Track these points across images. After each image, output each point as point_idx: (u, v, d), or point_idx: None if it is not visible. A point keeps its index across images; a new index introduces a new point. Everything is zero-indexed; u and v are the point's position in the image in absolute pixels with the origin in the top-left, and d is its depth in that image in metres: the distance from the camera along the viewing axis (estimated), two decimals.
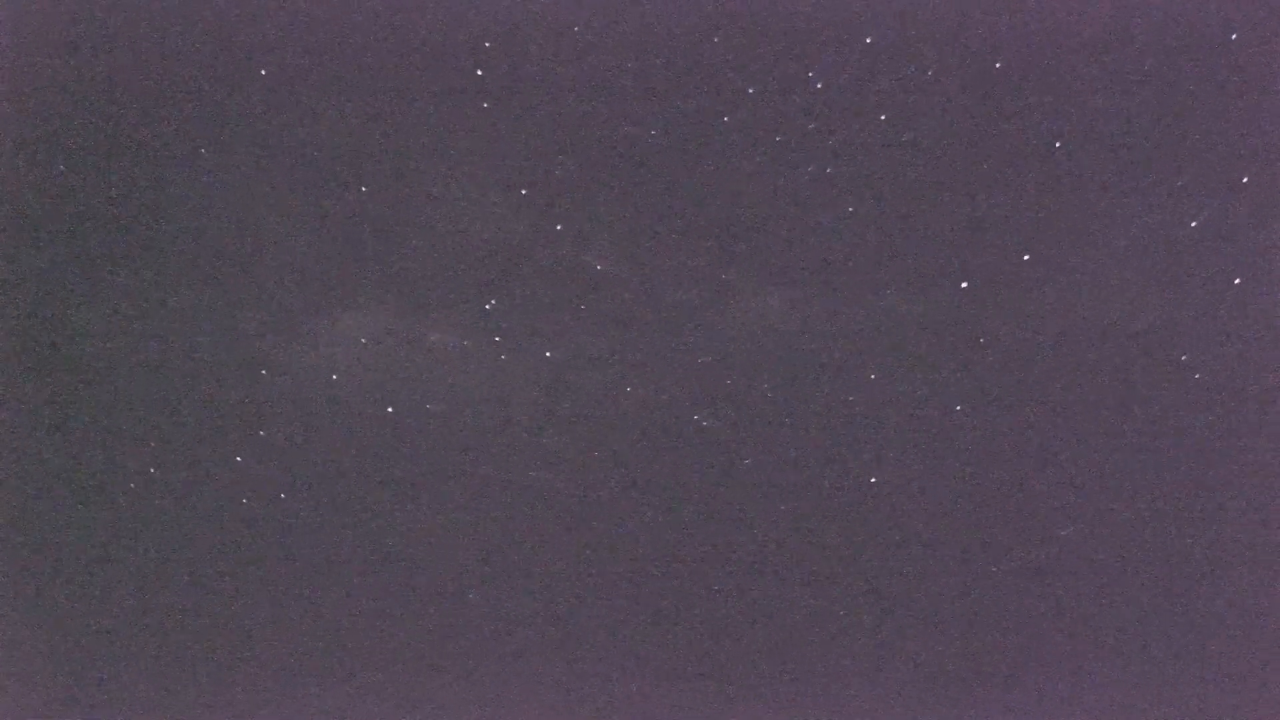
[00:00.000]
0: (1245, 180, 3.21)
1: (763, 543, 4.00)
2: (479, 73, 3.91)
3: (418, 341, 4.30)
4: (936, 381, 3.72)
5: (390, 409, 4.24)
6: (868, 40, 3.67)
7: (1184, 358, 3.34)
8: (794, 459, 3.92)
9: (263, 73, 3.87)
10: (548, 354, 4.17)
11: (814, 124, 3.78)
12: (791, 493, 3.93)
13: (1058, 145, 3.48)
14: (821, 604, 3.88)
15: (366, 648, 3.91)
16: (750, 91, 3.82)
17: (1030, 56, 3.43)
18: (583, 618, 4.02)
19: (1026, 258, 3.52)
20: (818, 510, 3.93)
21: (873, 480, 3.85)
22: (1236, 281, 3.24)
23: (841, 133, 3.74)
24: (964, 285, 3.63)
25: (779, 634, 3.92)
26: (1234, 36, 3.09)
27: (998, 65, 3.52)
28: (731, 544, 3.99)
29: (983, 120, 3.55)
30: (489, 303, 4.18)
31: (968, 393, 3.68)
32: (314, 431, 4.26)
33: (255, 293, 4.14)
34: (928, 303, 3.71)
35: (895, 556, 3.83)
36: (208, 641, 3.87)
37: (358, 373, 4.30)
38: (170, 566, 3.90)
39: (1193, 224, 3.31)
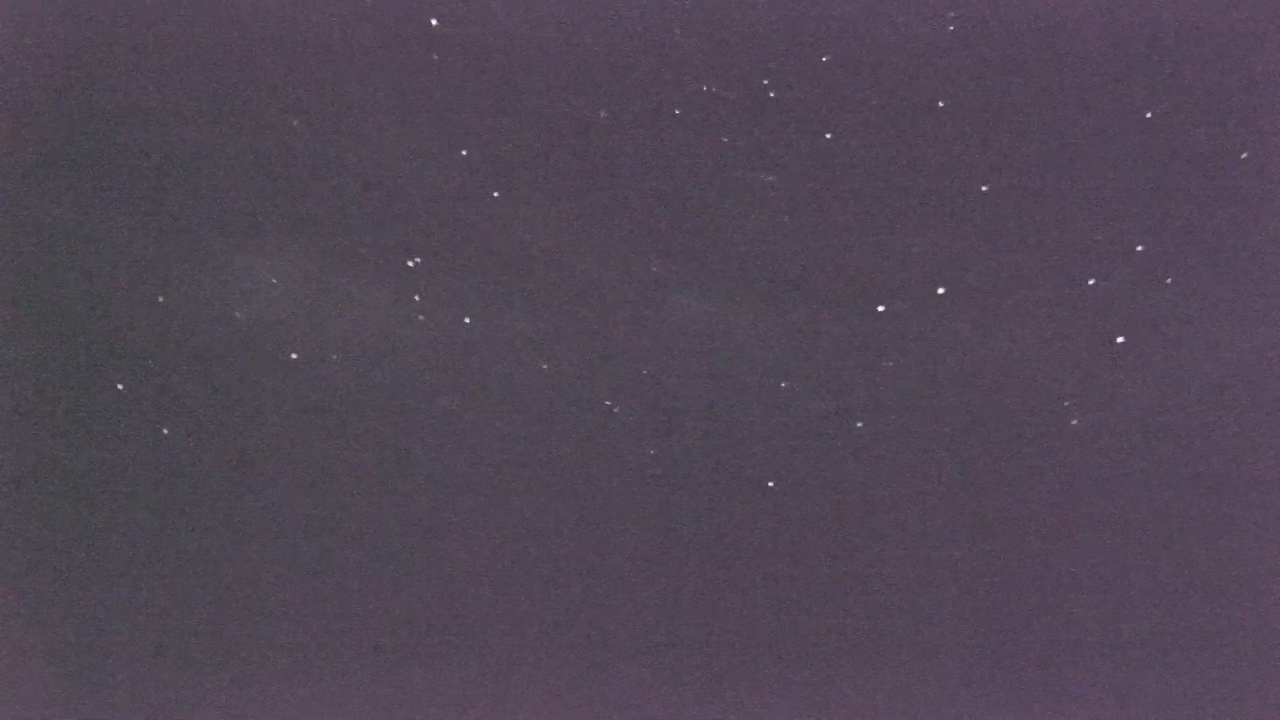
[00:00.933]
0: (1140, 249, 3.49)
1: (653, 530, 4.05)
2: (433, 22, 3.80)
3: (332, 289, 4.15)
4: (840, 398, 3.86)
5: (294, 354, 4.07)
6: (824, 59, 3.78)
7: (1066, 403, 3.60)
8: (695, 455, 3.99)
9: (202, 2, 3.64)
10: (466, 320, 4.10)
11: (761, 131, 3.86)
12: (686, 487, 4.00)
13: (984, 189, 3.68)
14: (713, 602, 3.97)
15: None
16: (705, 89, 3.86)
17: (973, 99, 3.60)
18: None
19: (941, 291, 3.71)
20: (710, 510, 4.02)
21: (770, 484, 3.97)
22: (1120, 340, 3.51)
23: (786, 144, 3.84)
24: (880, 309, 3.79)
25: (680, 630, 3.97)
26: (1149, 116, 3.32)
27: (940, 104, 3.70)
28: (616, 530, 4.02)
29: (922, 155, 3.71)
30: (413, 260, 4.08)
31: (869, 411, 3.84)
32: (207, 366, 4.05)
33: (166, 216, 3.89)
34: (844, 322, 3.86)
35: (776, 560, 3.96)
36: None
37: (263, 312, 4.11)
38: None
39: (1090, 281, 3.57)
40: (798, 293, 3.96)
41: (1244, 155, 3.31)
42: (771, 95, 3.84)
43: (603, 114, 3.89)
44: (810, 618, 3.95)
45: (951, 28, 3.64)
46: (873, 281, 3.89)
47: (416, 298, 4.11)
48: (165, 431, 3.97)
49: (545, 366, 4.10)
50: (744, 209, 3.98)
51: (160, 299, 3.96)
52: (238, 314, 4.05)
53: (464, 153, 3.99)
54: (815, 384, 3.95)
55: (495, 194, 4.02)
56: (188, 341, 3.94)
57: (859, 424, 3.92)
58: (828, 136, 3.86)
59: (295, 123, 3.85)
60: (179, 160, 3.96)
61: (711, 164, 3.94)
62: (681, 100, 3.90)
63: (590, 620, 4.08)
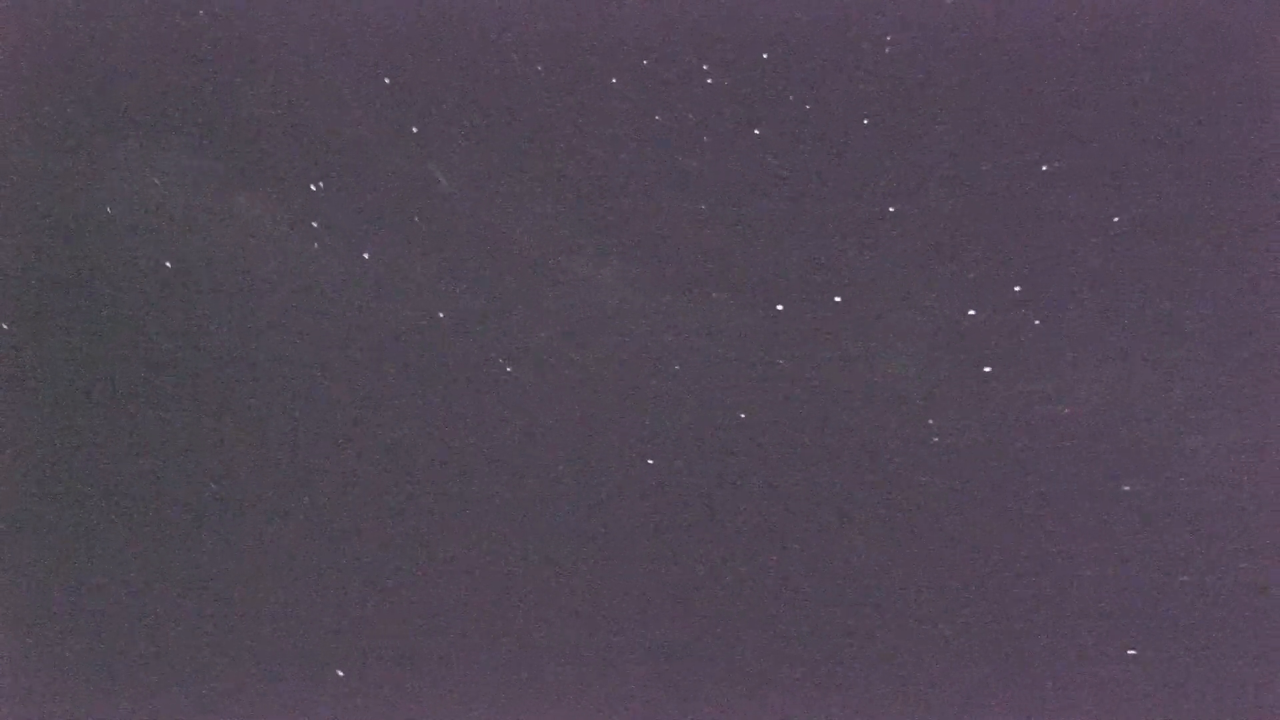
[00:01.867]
0: (1017, 289, 3.85)
1: (519, 492, 4.06)
2: None
3: (223, 202, 3.84)
4: (729, 389, 4.02)
5: (168, 263, 3.75)
6: (764, 55, 3.88)
7: (930, 421, 3.94)
8: (576, 422, 4.04)
9: None
10: (365, 255, 3.92)
11: (694, 115, 3.92)
12: (566, 454, 4.04)
13: (892, 210, 3.91)
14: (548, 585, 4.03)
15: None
16: (644, 64, 3.87)
17: (899, 120, 3.81)
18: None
19: (838, 299, 3.93)
20: (587, 473, 4.07)
21: (649, 462, 4.08)
22: (987, 369, 3.87)
23: (716, 132, 3.91)
24: (779, 308, 3.96)
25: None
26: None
27: (865, 122, 3.89)
28: (476, 488, 4.01)
29: (842, 167, 3.89)
30: (316, 184, 3.85)
31: (753, 403, 4.02)
32: (72, 265, 3.66)
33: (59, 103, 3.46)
34: (745, 314, 4.01)
35: (645, 533, 4.08)
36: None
37: (139, 213, 3.75)
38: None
39: (970, 312, 3.90)
40: (704, 279, 4.05)
41: (1116, 219, 3.70)
42: (709, 81, 3.88)
43: (539, 68, 3.80)
44: (633, 603, 4.08)
45: (888, 49, 3.82)
46: (777, 280, 4.04)
47: (314, 224, 3.87)
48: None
49: (442, 315, 3.98)
50: (664, 189, 4.02)
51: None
52: (109, 209, 3.66)
53: (386, 80, 3.79)
54: (707, 369, 4.07)
55: (414, 129, 3.85)
56: (54, 237, 3.52)
57: (741, 414, 4.08)
58: (756, 132, 3.96)
59: (201, 13, 3.49)
60: (89, 51, 3.50)
61: (640, 138, 3.94)
62: (618, 69, 3.88)
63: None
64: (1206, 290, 3.42)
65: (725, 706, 3.88)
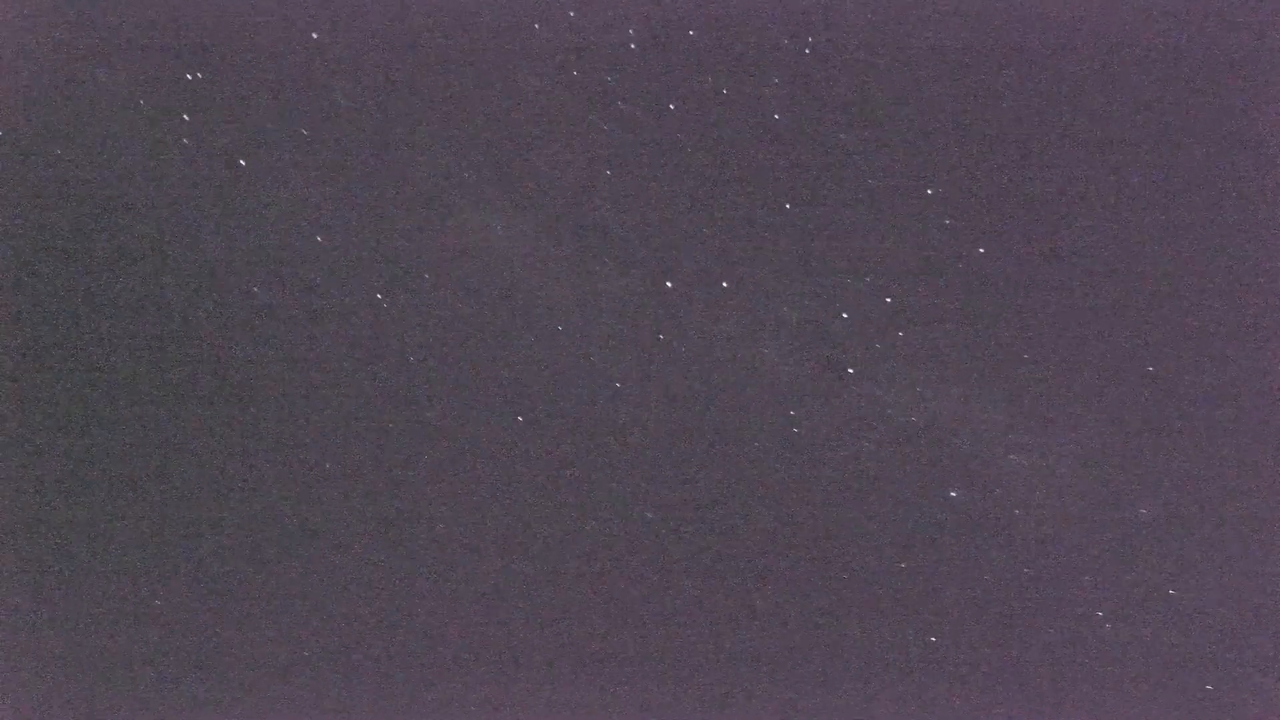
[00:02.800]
0: (888, 300, 4.18)
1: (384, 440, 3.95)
2: None
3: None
4: (608, 354, 4.08)
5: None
6: (690, 33, 3.88)
7: (791, 412, 4.21)
8: (444, 367, 3.96)
9: None
10: (242, 162, 3.58)
11: (612, 77, 3.87)
12: (429, 396, 3.95)
13: (788, 207, 4.08)
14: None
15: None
16: (572, 15, 3.76)
17: (805, 113, 3.97)
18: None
19: (725, 285, 4.08)
20: (449, 434, 4.01)
21: (519, 419, 4.07)
22: (850, 370, 4.19)
23: (630, 99, 3.89)
24: (669, 285, 4.05)
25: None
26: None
27: (776, 117, 4.02)
28: (338, 443, 3.88)
29: (753, 152, 4.00)
30: (192, 75, 3.44)
31: (630, 374, 4.11)
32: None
33: None
34: (634, 283, 4.06)
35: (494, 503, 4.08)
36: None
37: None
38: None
39: (844, 315, 4.18)
40: (598, 244, 4.04)
41: (981, 251, 4.08)
42: (632, 47, 3.83)
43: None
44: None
45: (808, 50, 3.94)
46: (671, 257, 4.11)
47: (185, 118, 3.47)
48: None
49: (319, 239, 3.72)
50: (577, 154, 3.95)
51: None
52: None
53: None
54: (588, 332, 4.09)
55: (315, 35, 3.50)
56: None
57: (617, 384, 4.14)
58: (671, 107, 3.96)
59: None
60: None
61: (547, 97, 3.84)
62: (539, 18, 3.74)
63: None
64: (1048, 325, 3.85)
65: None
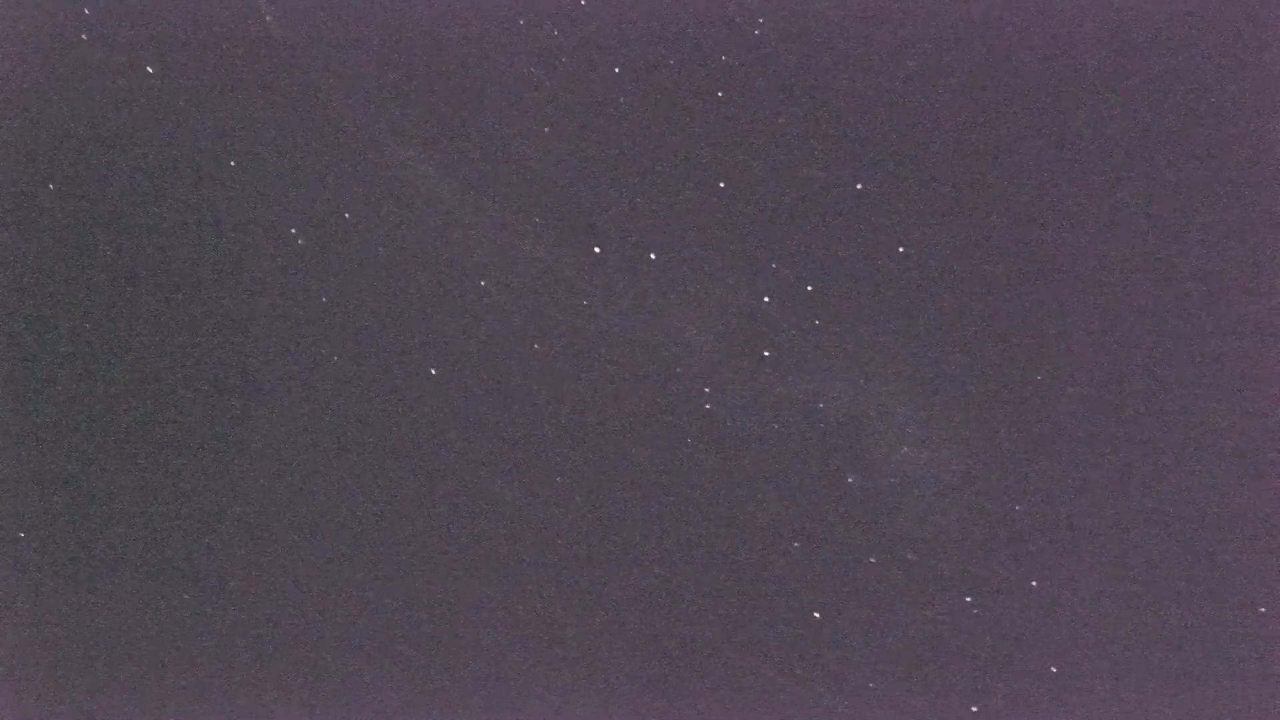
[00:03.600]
0: (809, 289, 4.31)
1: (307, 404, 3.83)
2: None
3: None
4: (529, 316, 4.05)
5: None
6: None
7: (706, 389, 4.31)
8: (363, 310, 3.86)
9: None
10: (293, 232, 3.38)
11: (558, 32, 3.79)
12: (351, 340, 3.85)
13: (722, 186, 4.13)
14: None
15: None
16: None
17: (743, 95, 4.01)
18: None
19: (653, 256, 4.11)
20: (364, 375, 3.92)
21: (432, 372, 3.99)
22: (766, 353, 4.31)
23: (571, 64, 3.82)
24: (596, 250, 4.04)
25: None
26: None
27: (720, 94, 4.03)
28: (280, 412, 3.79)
29: (695, 136, 4.01)
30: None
31: (548, 336, 4.09)
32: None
33: None
34: (561, 246, 4.04)
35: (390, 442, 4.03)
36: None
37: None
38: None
39: (765, 299, 4.29)
40: (532, 205, 3.98)
41: (901, 249, 4.26)
42: (555, 33, 3.76)
43: None
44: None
45: (758, 31, 3.96)
46: (601, 223, 4.09)
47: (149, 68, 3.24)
48: None
49: (233, 163, 3.50)
50: (515, 114, 3.86)
51: None
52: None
53: None
54: (512, 292, 4.05)
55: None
56: None
57: (535, 345, 4.12)
58: (616, 70, 3.91)
59: None
60: None
61: (495, 60, 3.74)
62: None
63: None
64: (955, 328, 4.07)
65: None
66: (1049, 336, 3.97)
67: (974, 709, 4.07)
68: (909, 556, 4.14)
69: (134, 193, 3.76)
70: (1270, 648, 3.93)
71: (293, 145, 3.94)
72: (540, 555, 4.22)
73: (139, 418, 3.84)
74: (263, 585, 3.91)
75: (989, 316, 4.00)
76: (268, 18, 3.20)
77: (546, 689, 4.20)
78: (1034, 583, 4.08)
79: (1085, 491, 3.99)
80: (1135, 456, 3.94)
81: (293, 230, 3.72)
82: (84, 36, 3.49)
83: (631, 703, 4.25)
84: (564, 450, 4.20)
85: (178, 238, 3.80)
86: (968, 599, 4.11)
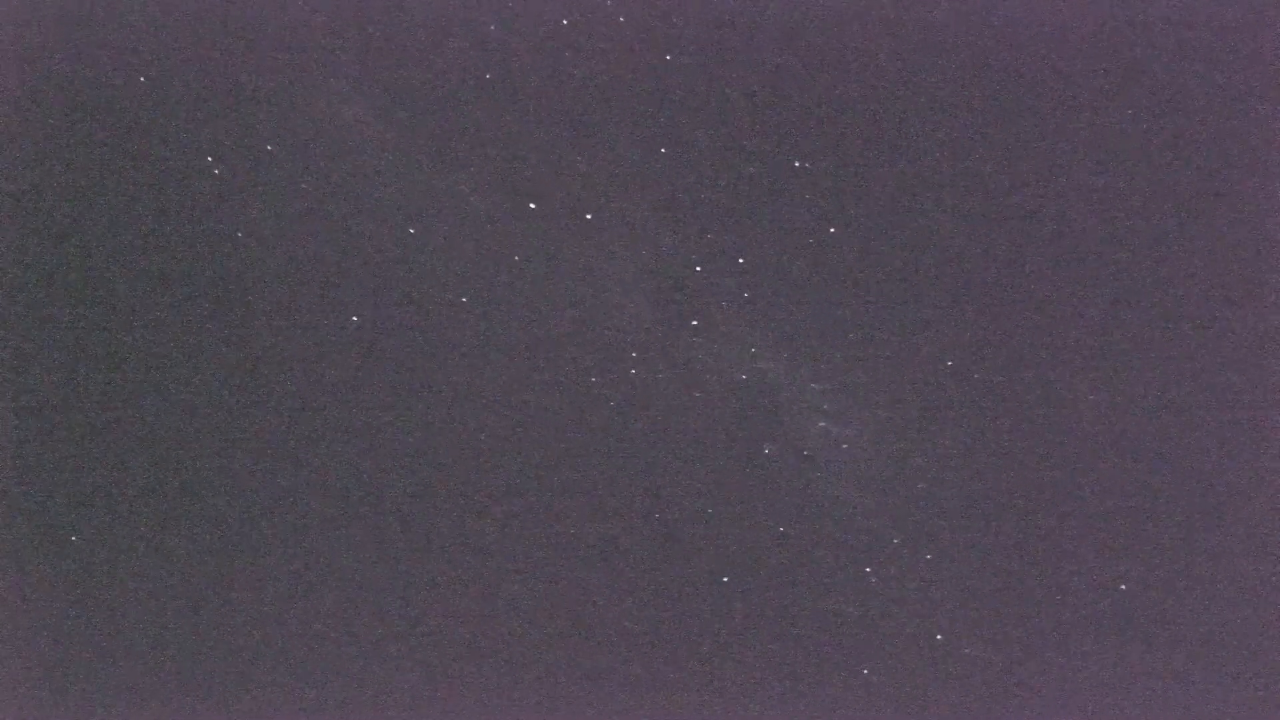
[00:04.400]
0: (740, 261, 4.41)
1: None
2: None
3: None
4: (458, 263, 4.00)
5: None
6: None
7: (633, 353, 4.36)
8: (284, 252, 3.75)
9: None
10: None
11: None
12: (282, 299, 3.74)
13: (663, 152, 4.17)
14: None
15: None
16: None
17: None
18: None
19: (589, 216, 4.12)
20: (286, 329, 3.81)
21: (355, 319, 3.91)
22: (695, 322, 4.40)
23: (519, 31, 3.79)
24: (531, 205, 4.04)
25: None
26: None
27: (668, 56, 4.07)
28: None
29: (635, 82, 4.03)
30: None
31: (474, 287, 4.06)
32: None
33: None
34: (497, 198, 4.01)
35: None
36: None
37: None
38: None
39: (696, 269, 4.37)
40: (471, 160, 3.93)
41: (832, 230, 4.40)
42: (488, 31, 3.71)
43: None
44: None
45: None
46: (540, 181, 4.08)
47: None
48: None
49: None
50: (461, 66, 3.80)
51: None
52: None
53: None
54: (445, 240, 4.00)
55: None
56: None
57: (464, 298, 4.08)
58: (564, 22, 3.89)
59: None
60: None
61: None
62: None
63: None
64: (877, 309, 4.25)
65: None
66: (964, 321, 4.17)
67: (864, 671, 4.26)
68: (816, 526, 4.29)
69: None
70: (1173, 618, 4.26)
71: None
72: (451, 505, 4.16)
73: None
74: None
75: (910, 300, 4.16)
76: None
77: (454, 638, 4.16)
78: (928, 555, 4.29)
79: (983, 471, 4.22)
80: (1038, 436, 4.20)
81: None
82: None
83: (536, 654, 4.25)
84: (484, 399, 4.14)
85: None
86: (867, 569, 4.29)
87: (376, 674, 4.04)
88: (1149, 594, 4.03)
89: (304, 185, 3.76)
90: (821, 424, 4.24)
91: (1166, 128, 3.91)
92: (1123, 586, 4.10)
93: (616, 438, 4.14)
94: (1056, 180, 4.00)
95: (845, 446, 4.22)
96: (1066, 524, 4.09)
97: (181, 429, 3.88)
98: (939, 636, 4.27)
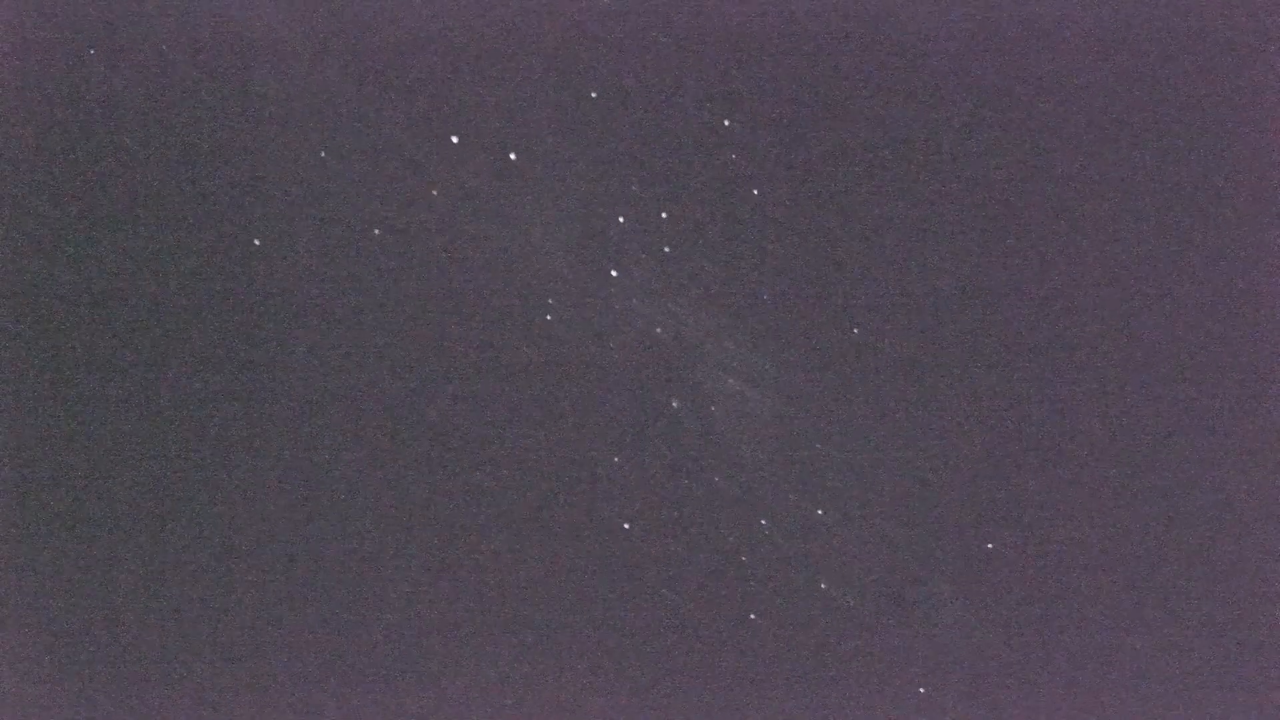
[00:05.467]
0: (664, 215, 4.40)
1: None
2: None
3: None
4: (369, 217, 3.90)
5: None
6: None
7: (550, 300, 4.34)
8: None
9: None
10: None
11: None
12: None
13: (593, 95, 4.09)
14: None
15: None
16: None
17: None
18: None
19: (513, 156, 4.04)
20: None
21: (257, 240, 3.79)
22: (614, 273, 4.39)
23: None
24: (454, 140, 3.93)
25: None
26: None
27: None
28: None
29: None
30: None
31: (390, 221, 3.96)
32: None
33: None
34: (412, 128, 3.89)
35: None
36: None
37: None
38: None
39: (620, 219, 4.34)
40: (394, 95, 3.79)
41: (756, 193, 4.41)
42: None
43: None
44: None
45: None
46: (459, 116, 3.96)
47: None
48: None
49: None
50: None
51: None
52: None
53: None
54: (348, 173, 3.88)
55: None
56: None
57: (375, 230, 3.98)
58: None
59: None
60: None
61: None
62: None
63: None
64: (796, 269, 4.31)
65: None
66: (883, 290, 4.25)
67: (751, 616, 4.46)
68: (716, 480, 4.40)
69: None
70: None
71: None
72: (349, 450, 4.11)
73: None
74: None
75: (829, 267, 4.21)
76: None
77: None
78: (820, 511, 4.47)
79: (881, 439, 4.38)
80: (937, 407, 4.36)
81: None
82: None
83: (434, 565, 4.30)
84: (392, 332, 4.07)
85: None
86: (763, 522, 4.45)
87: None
88: (1031, 560, 4.28)
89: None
90: (731, 382, 4.30)
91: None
92: (989, 545, 4.35)
93: (527, 382, 4.12)
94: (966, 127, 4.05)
95: (753, 405, 4.30)
96: (954, 484, 4.30)
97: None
98: (823, 585, 4.47)
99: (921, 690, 4.31)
